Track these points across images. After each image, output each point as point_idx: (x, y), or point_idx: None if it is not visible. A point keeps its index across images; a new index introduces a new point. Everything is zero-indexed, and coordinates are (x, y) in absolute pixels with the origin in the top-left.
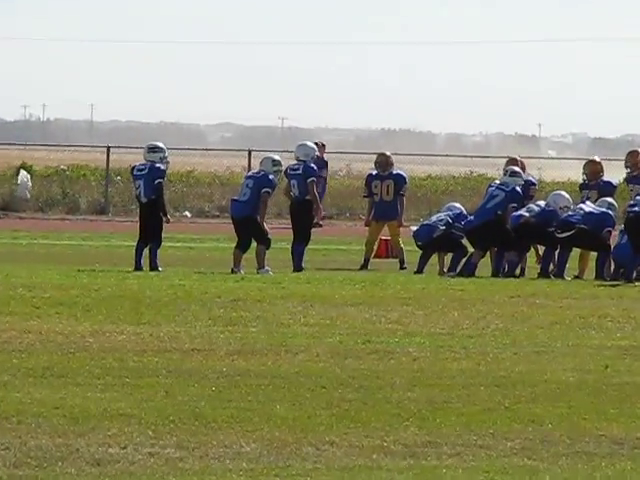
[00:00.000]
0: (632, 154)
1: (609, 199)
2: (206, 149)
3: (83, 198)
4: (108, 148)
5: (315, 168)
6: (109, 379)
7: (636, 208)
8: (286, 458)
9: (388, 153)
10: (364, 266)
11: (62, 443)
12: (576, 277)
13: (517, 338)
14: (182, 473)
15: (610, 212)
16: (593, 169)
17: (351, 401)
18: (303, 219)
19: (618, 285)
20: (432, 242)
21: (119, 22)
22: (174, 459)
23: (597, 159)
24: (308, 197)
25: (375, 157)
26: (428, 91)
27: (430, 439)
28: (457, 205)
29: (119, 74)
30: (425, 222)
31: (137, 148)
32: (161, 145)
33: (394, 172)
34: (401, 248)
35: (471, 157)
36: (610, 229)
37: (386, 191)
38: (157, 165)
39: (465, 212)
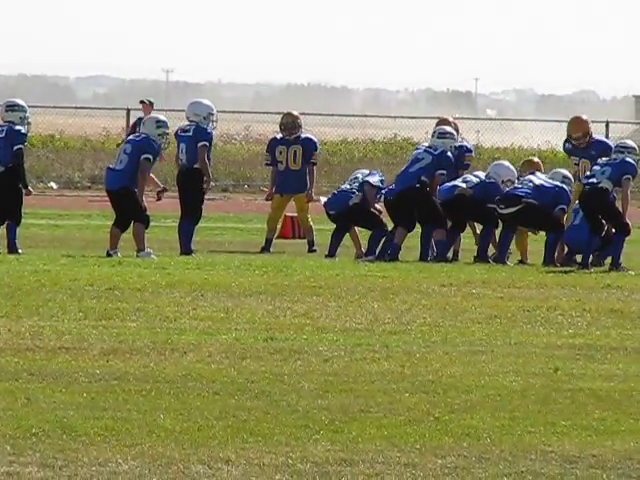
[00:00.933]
0: (577, 122)
1: (564, 171)
2: (76, 107)
3: None
4: None
5: (210, 131)
6: None
7: (593, 180)
8: (172, 478)
9: (295, 113)
10: (266, 248)
11: None
12: (520, 262)
13: (449, 335)
14: None
15: (565, 187)
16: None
17: (250, 410)
18: (192, 192)
19: (571, 272)
20: (347, 212)
21: None
22: (37, 479)
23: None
24: (197, 165)
25: (280, 118)
26: (343, 40)
27: (345, 456)
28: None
29: None
30: (339, 189)
31: None
32: (21, 103)
33: (302, 136)
34: (310, 227)
35: (394, 118)
36: (564, 207)
37: (293, 159)
38: (16, 127)
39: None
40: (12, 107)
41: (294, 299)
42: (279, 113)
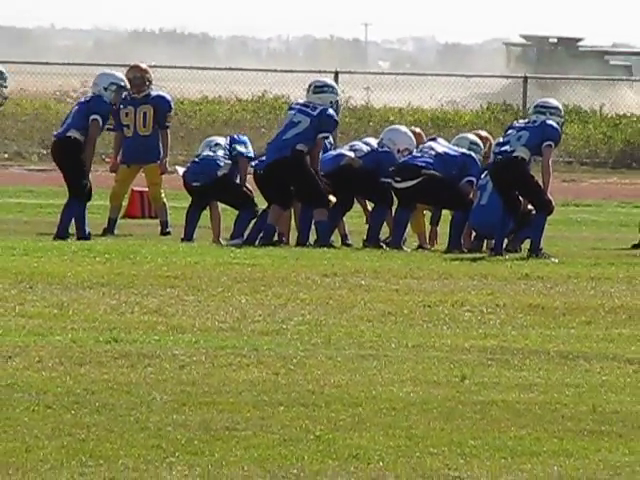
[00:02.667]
0: None
1: (471, 136)
2: None
3: None
4: None
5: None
6: None
7: (506, 147)
8: None
9: (144, 66)
10: (109, 230)
11: None
12: (419, 247)
13: (333, 336)
14: None
15: (473, 154)
16: None
17: (89, 427)
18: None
19: (481, 259)
20: (213, 185)
21: None
22: None
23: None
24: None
25: (125, 72)
26: None
27: None
28: (241, 137)
29: None
30: (200, 156)
31: None
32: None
33: (153, 94)
34: (163, 204)
35: (265, 71)
36: (472, 179)
37: (142, 122)
38: None
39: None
40: None
41: (143, 292)
42: (124, 65)
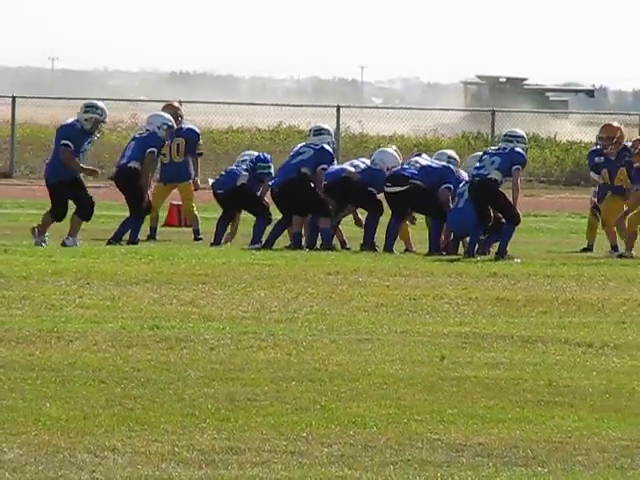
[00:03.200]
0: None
1: (449, 151)
2: None
3: None
4: None
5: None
6: None
7: (482, 171)
8: (58, 467)
9: (176, 104)
10: (151, 236)
11: None
12: (406, 251)
13: (335, 323)
14: None
15: (451, 166)
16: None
17: (136, 398)
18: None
19: (457, 261)
20: (234, 192)
21: None
22: None
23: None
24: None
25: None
26: (229, 28)
27: (231, 444)
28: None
29: None
30: (227, 169)
31: None
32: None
33: (185, 127)
34: (195, 216)
35: (280, 106)
36: (450, 185)
37: (176, 151)
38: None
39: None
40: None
41: (180, 287)
42: (164, 101)
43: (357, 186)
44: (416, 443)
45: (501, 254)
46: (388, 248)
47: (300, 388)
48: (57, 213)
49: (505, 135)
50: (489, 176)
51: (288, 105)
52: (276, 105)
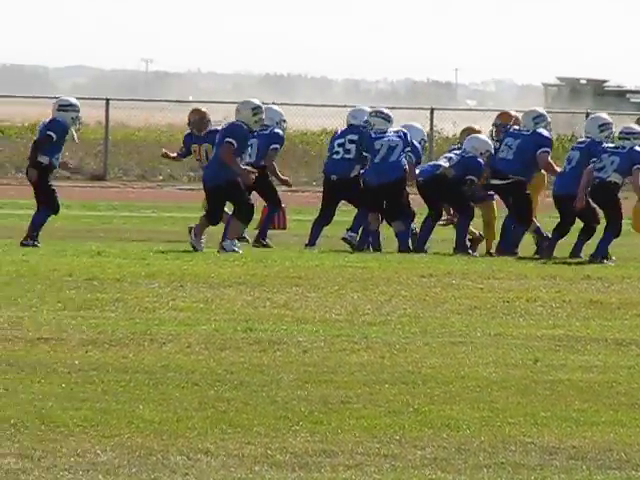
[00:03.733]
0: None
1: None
2: (55, 97)
3: None
4: None
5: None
6: None
7: (602, 174)
8: (151, 469)
9: (204, 109)
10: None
11: None
12: (489, 254)
13: (428, 326)
14: None
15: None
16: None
17: (229, 401)
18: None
19: (551, 263)
20: (346, 182)
21: None
22: (15, 471)
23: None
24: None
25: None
26: (322, 32)
27: (324, 447)
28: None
29: None
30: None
31: None
32: (74, 102)
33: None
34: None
35: (374, 108)
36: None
37: (205, 156)
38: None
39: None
40: (65, 107)
41: (273, 290)
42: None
43: (452, 184)
44: (509, 446)
45: (597, 257)
46: (509, 251)
47: (393, 391)
48: (212, 217)
49: (621, 132)
50: (609, 179)
51: (381, 107)
52: (370, 107)
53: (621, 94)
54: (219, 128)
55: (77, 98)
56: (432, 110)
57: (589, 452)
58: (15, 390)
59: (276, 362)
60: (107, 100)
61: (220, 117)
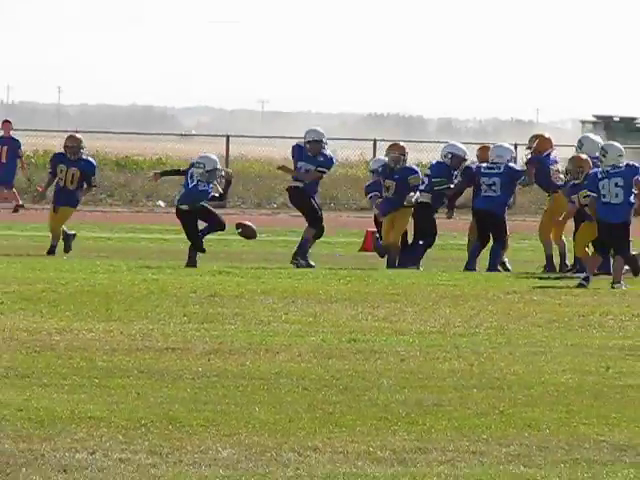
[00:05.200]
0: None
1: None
2: (182, 134)
3: (51, 186)
4: (76, 133)
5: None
6: (77, 379)
7: None
8: (266, 464)
9: (78, 135)
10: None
11: (26, 448)
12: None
13: (512, 337)
14: None
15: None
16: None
17: (335, 403)
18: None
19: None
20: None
21: (85, 4)
22: (146, 465)
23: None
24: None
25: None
26: (418, 74)
27: (420, 444)
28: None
29: (86, 54)
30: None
31: (107, 132)
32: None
33: (83, 159)
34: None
35: (466, 144)
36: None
37: (70, 180)
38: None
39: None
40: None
41: (375, 305)
42: (362, 139)
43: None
44: (584, 444)
45: None
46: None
47: (481, 395)
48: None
49: None
50: None
51: (470, 143)
52: (462, 142)
53: None
54: (90, 158)
55: (200, 135)
56: (516, 145)
57: None
58: (145, 394)
59: (377, 369)
60: (227, 137)
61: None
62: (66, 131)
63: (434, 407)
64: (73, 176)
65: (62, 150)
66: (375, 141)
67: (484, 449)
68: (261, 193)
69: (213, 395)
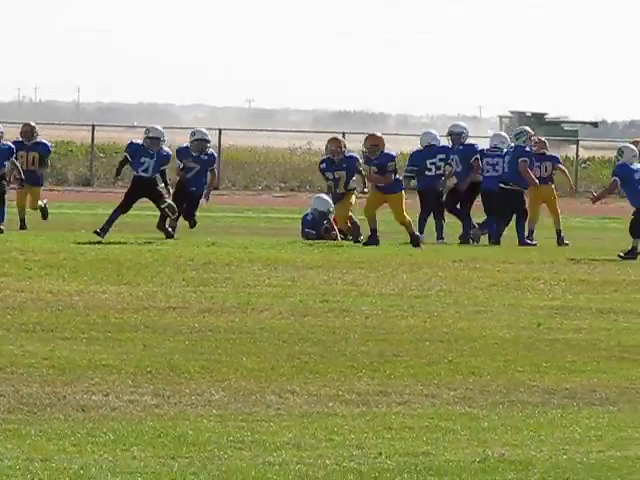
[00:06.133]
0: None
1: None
2: (180, 127)
3: (70, 171)
4: (93, 127)
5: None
6: (93, 334)
7: None
8: (251, 405)
9: (33, 123)
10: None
11: (51, 391)
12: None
13: (459, 298)
14: (158, 418)
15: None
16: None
17: (310, 354)
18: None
19: (549, 251)
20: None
21: (103, 13)
22: (151, 406)
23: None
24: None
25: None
26: (381, 75)
27: (381, 389)
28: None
29: (103, 60)
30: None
31: (119, 126)
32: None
33: (39, 142)
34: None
35: (418, 136)
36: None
37: (32, 162)
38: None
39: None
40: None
41: (343, 271)
42: (332, 132)
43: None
44: (519, 388)
45: None
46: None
47: (432, 347)
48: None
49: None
50: None
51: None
52: (416, 135)
53: (557, 124)
54: (45, 141)
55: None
56: None
57: (578, 393)
58: (151, 346)
59: (345, 325)
60: (220, 130)
61: (304, 142)
62: (84, 125)
63: (393, 357)
64: (34, 159)
65: (20, 138)
66: (344, 134)
67: (435, 392)
68: (247, 177)
69: (207, 347)
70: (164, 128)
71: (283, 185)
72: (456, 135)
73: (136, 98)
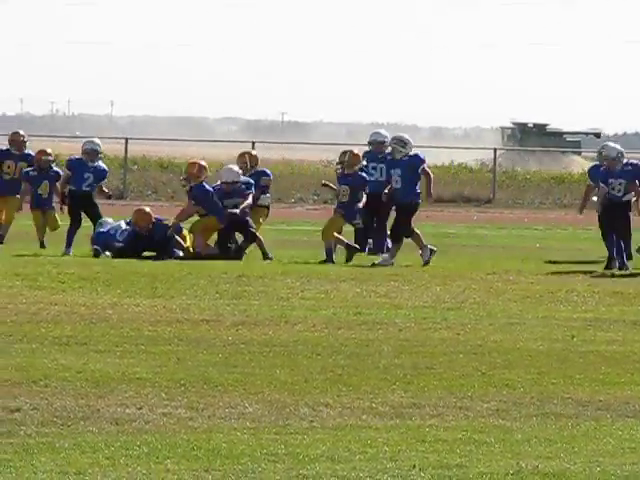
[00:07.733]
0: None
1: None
2: (214, 140)
3: (104, 184)
4: (126, 140)
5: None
6: (127, 346)
7: None
8: (285, 418)
9: (22, 132)
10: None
11: (84, 404)
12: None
13: (492, 311)
14: (192, 431)
15: None
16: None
17: (343, 367)
18: None
19: (583, 263)
20: None
21: (137, 28)
22: (185, 419)
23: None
24: None
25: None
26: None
27: (414, 401)
28: None
29: (136, 74)
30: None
31: (152, 140)
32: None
33: (26, 153)
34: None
35: (450, 148)
36: None
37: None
38: None
39: None
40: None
41: (377, 284)
42: (365, 145)
43: None
44: (552, 400)
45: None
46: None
47: (466, 359)
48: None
49: None
50: None
51: (458, 148)
52: (449, 148)
53: (559, 135)
54: (32, 152)
55: (230, 141)
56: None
57: (612, 404)
58: (184, 359)
59: (378, 338)
60: (253, 143)
61: (337, 154)
62: (117, 138)
63: (426, 370)
64: (21, 170)
65: (16, 149)
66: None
67: (469, 405)
68: (281, 190)
69: (241, 360)
70: (198, 141)
71: (316, 198)
72: (378, 144)
73: (170, 111)
